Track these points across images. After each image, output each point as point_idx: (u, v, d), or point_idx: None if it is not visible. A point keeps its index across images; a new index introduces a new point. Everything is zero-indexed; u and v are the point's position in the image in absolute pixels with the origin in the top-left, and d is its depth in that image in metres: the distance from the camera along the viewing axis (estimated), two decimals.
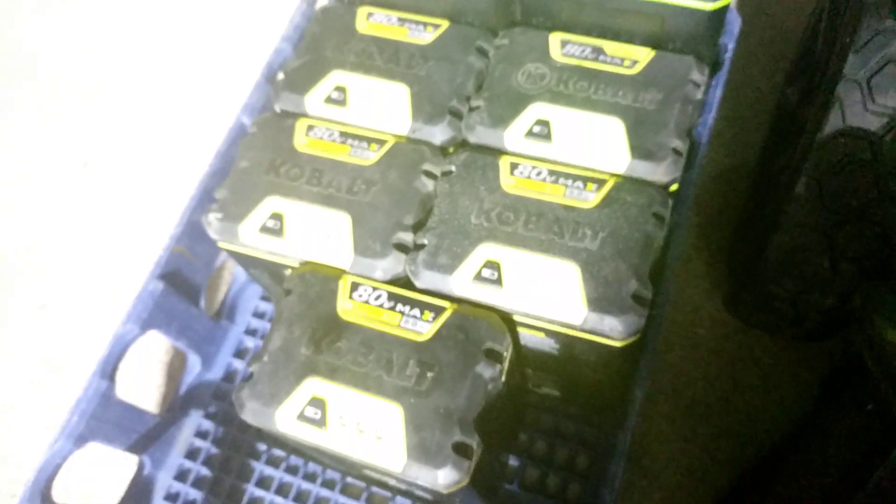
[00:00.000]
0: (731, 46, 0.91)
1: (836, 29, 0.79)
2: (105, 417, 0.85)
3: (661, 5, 0.79)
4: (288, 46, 1.01)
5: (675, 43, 0.83)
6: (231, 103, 1.03)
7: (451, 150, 0.83)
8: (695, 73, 0.80)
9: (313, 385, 0.70)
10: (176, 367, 1.11)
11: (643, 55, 0.82)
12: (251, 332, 1.06)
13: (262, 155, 0.83)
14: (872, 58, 0.65)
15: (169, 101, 1.38)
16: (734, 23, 0.91)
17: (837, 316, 0.79)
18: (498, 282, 0.72)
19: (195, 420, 1.01)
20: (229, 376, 1.04)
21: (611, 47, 0.83)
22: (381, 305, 0.73)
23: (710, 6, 0.78)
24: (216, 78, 1.38)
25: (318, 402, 0.69)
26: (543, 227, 0.73)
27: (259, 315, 1.08)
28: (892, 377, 0.64)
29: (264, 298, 1.09)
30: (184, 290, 0.93)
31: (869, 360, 0.66)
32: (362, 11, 0.91)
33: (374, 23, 0.90)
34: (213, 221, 0.81)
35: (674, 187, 0.77)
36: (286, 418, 0.70)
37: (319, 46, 0.89)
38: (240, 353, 1.05)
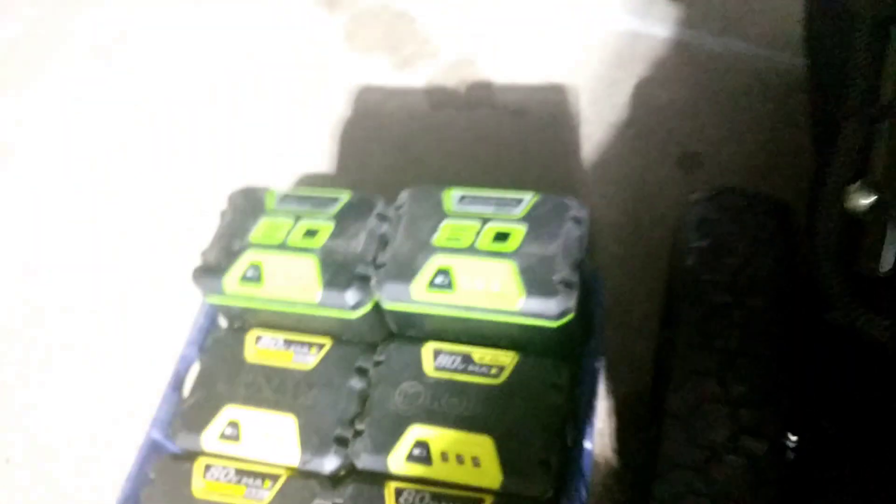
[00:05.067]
0: (600, 311, 0.98)
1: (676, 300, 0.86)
2: None
3: (511, 325, 0.86)
4: (192, 351, 1.05)
5: (536, 345, 0.89)
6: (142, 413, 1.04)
7: (341, 474, 0.87)
8: (555, 376, 0.86)
9: None
10: None
11: (508, 360, 0.89)
12: None
13: None
14: (689, 396, 0.71)
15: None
16: (600, 286, 0.99)
17: None
18: None
19: None
20: None
21: (479, 354, 0.90)
22: None
23: (555, 324, 0.85)
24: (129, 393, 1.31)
25: None
26: None
27: None
28: None
29: None
30: None
31: None
32: (251, 336, 0.97)
33: (261, 348, 0.96)
34: None
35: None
36: None
37: (212, 380, 0.94)
38: None
